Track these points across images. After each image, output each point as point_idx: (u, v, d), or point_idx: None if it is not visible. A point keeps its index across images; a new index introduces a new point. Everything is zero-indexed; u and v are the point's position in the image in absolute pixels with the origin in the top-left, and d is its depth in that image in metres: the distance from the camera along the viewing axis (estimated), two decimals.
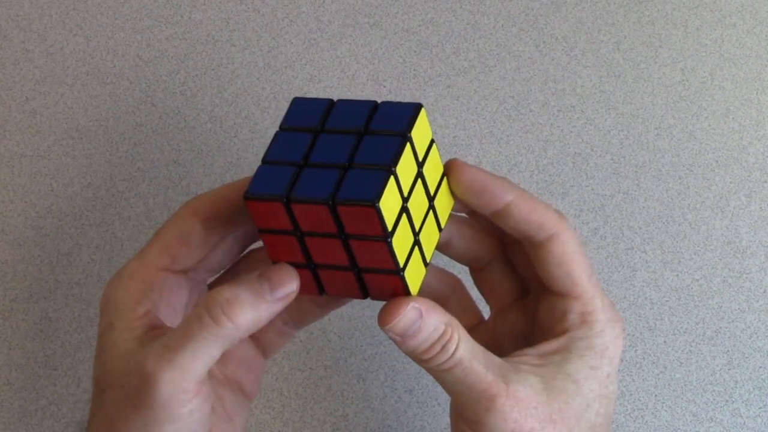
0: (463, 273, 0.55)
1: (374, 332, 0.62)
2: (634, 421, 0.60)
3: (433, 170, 0.48)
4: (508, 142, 0.67)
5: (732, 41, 0.71)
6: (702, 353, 0.62)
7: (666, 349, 0.62)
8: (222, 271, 0.53)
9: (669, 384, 0.61)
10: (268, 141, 0.67)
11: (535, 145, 0.67)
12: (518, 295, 0.54)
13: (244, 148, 0.67)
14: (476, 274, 0.54)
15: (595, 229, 0.65)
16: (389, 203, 0.45)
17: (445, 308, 0.49)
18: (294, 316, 0.53)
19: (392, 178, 0.45)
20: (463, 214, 0.52)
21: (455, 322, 0.48)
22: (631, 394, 0.61)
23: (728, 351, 0.62)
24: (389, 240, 0.45)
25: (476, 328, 0.55)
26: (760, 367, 0.62)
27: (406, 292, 0.47)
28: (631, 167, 0.67)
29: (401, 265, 0.46)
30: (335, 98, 0.68)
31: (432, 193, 0.48)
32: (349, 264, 0.47)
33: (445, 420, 0.60)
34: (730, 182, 0.67)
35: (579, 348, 0.50)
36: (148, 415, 0.46)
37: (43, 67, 0.69)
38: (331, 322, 0.62)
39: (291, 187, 0.45)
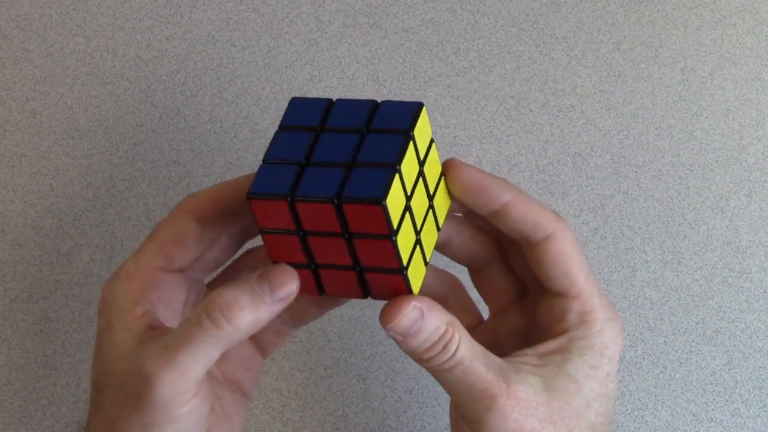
0: (462, 273, 0.55)
1: (374, 332, 0.62)
2: (634, 421, 0.60)
3: (432, 169, 0.48)
4: (508, 142, 0.67)
5: (732, 41, 0.71)
6: (702, 353, 0.62)
7: (666, 349, 0.62)
8: (221, 269, 0.53)
9: (669, 384, 0.61)
10: (268, 141, 0.67)
11: (535, 145, 0.67)
12: (517, 295, 0.54)
13: (244, 148, 0.67)
14: (475, 274, 0.54)
15: (595, 229, 0.65)
16: (394, 201, 0.44)
17: (445, 308, 0.49)
18: (293, 315, 0.53)
19: (397, 176, 0.44)
20: (460, 215, 0.52)
21: (456, 322, 0.48)
22: (631, 394, 0.61)
23: (728, 351, 0.62)
24: (394, 238, 0.45)
25: (476, 329, 0.55)
26: (760, 367, 0.62)
27: (408, 291, 0.47)
28: (631, 167, 0.67)
29: (404, 263, 0.46)
30: (335, 98, 0.68)
31: (432, 192, 0.48)
32: (352, 263, 0.47)
33: (445, 420, 0.60)
34: (730, 182, 0.66)
35: (578, 347, 0.50)
36: (147, 415, 0.46)
37: (43, 67, 0.69)
38: (331, 322, 0.62)
39: (295, 186, 0.45)
